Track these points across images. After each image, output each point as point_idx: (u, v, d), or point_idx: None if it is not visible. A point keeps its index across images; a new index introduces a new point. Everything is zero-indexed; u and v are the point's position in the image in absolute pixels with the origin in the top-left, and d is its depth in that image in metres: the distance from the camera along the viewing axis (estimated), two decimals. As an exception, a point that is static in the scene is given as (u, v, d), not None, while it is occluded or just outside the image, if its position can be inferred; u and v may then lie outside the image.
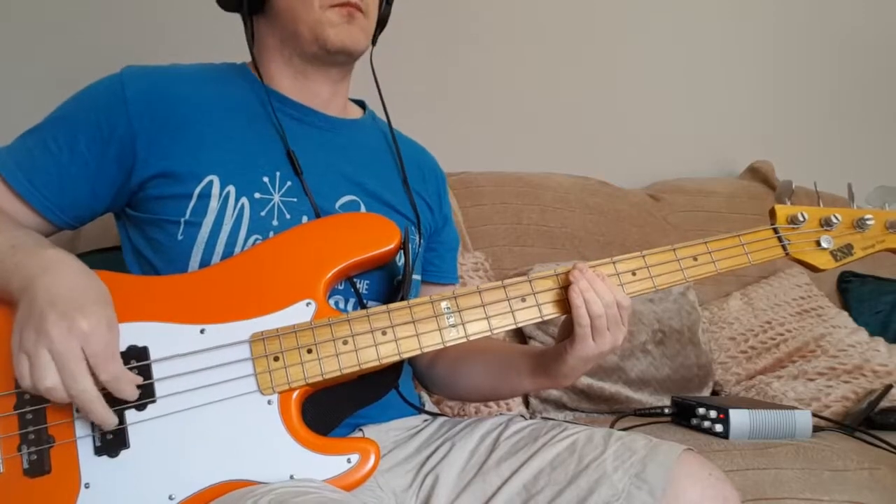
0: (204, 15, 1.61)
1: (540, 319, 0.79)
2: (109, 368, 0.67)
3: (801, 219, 0.88)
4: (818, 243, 0.88)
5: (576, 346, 0.78)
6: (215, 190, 0.81)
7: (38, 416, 0.69)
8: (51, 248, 0.75)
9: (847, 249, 0.89)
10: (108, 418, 0.67)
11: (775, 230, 0.88)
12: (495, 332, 0.78)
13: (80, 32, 1.59)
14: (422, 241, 0.95)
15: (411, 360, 0.99)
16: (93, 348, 0.66)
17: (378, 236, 0.81)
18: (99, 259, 0.75)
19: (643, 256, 0.83)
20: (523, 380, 0.87)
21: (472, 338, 0.77)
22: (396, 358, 0.75)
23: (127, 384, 0.68)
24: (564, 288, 0.79)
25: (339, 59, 0.91)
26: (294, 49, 0.89)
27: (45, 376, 0.64)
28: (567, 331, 0.80)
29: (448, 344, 0.77)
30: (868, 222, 0.88)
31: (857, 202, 0.91)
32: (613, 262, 0.82)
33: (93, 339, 0.66)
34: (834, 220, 0.88)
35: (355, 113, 0.99)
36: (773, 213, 0.89)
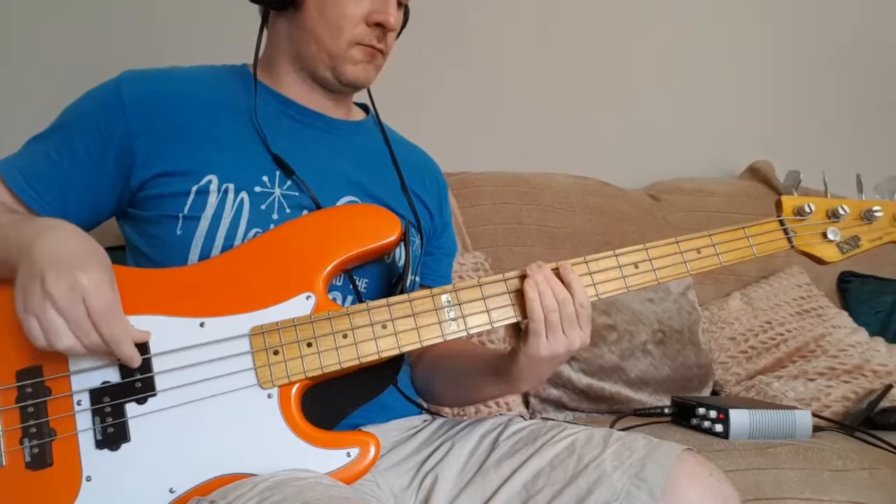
0: (205, 19, 1.63)
1: None
2: (114, 326, 0.67)
3: (808, 210, 0.86)
4: (825, 235, 0.87)
5: (528, 343, 0.76)
6: (213, 186, 0.81)
7: (39, 409, 0.69)
8: (47, 217, 0.75)
9: (854, 241, 0.87)
10: (134, 359, 0.69)
11: (781, 222, 0.86)
12: (496, 325, 0.78)
13: (84, 38, 1.59)
14: (422, 242, 0.96)
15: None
16: (95, 303, 0.66)
17: (379, 228, 0.81)
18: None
19: (646, 249, 0.82)
20: (485, 384, 0.87)
21: (472, 331, 0.77)
22: (396, 351, 0.75)
23: (128, 347, 0.68)
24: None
25: (347, 91, 0.93)
26: (305, 65, 0.89)
27: (60, 337, 0.65)
28: (522, 330, 0.78)
29: (448, 338, 0.76)
30: (876, 214, 0.87)
31: (865, 193, 0.89)
32: (616, 256, 0.81)
33: (95, 295, 0.66)
34: (841, 212, 0.86)
35: (357, 115, 1.00)
36: (779, 205, 0.87)
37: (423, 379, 0.96)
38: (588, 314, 0.77)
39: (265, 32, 0.93)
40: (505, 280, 0.79)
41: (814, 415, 1.23)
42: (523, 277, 0.77)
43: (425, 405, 0.98)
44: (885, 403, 1.33)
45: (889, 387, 1.37)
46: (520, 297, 0.77)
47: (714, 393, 1.58)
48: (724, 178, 1.99)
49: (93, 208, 0.85)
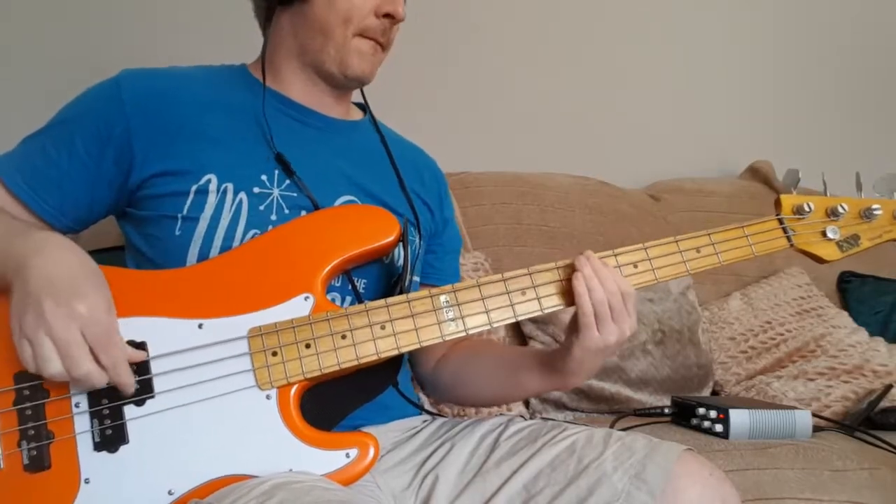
0: (205, 19, 1.63)
1: (540, 313, 0.79)
2: (111, 352, 0.67)
3: (808, 209, 0.86)
4: (824, 234, 0.87)
5: (582, 337, 0.77)
6: (213, 186, 0.81)
7: (37, 412, 0.69)
8: (43, 230, 0.75)
9: (853, 240, 0.87)
10: (129, 386, 0.69)
11: (780, 220, 0.86)
12: (495, 325, 0.78)
13: (84, 38, 1.59)
14: (421, 241, 0.95)
15: (413, 364, 0.98)
16: (93, 332, 0.66)
17: (377, 228, 0.81)
18: (99, 259, 0.75)
19: (645, 248, 0.82)
20: (532, 379, 0.86)
21: (471, 332, 0.77)
22: (395, 352, 0.75)
23: (125, 373, 0.68)
24: (565, 280, 0.79)
25: (351, 85, 0.93)
26: (312, 60, 0.89)
27: (49, 364, 0.65)
28: (574, 324, 0.79)
29: (447, 338, 0.76)
30: (875, 212, 0.87)
31: (864, 191, 0.89)
32: (615, 255, 0.81)
33: (92, 323, 0.66)
34: (841, 210, 0.86)
35: (356, 115, 1.00)
36: (778, 203, 0.87)
37: (454, 378, 0.94)
38: (634, 301, 0.78)
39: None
40: (504, 280, 0.79)
41: (814, 415, 1.23)
42: (521, 276, 0.78)
43: (425, 406, 0.97)
44: (885, 403, 1.34)
45: (889, 387, 1.37)
46: (517, 297, 0.78)
47: (714, 393, 1.58)
48: (724, 178, 1.99)
49: (90, 206, 0.84)
